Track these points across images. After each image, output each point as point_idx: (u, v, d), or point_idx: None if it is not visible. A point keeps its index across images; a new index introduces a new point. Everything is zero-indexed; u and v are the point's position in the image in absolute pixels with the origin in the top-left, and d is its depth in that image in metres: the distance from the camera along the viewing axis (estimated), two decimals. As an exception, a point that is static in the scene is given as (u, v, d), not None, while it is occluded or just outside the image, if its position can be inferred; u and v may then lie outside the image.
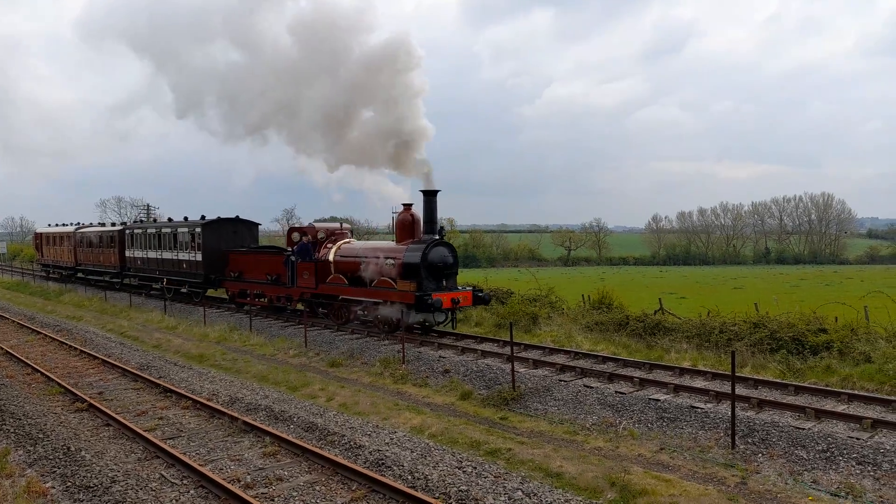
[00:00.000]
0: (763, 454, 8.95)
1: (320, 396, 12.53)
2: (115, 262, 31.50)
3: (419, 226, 17.17)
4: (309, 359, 16.22)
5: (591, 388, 11.74)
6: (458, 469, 8.41)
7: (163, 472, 8.44)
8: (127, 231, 30.79)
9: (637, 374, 12.42)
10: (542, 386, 12.15)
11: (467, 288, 17.47)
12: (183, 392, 12.38)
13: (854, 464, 8.36)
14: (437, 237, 16.71)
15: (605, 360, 13.79)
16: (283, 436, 9.54)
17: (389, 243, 18.13)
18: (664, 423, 10.18)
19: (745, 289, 42.54)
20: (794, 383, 11.44)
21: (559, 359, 13.99)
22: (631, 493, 7.90)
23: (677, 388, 11.33)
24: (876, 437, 8.87)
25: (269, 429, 9.92)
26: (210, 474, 8.01)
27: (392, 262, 16.87)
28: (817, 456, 8.65)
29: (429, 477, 8.09)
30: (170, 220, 28.40)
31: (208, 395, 12.52)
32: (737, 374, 10.38)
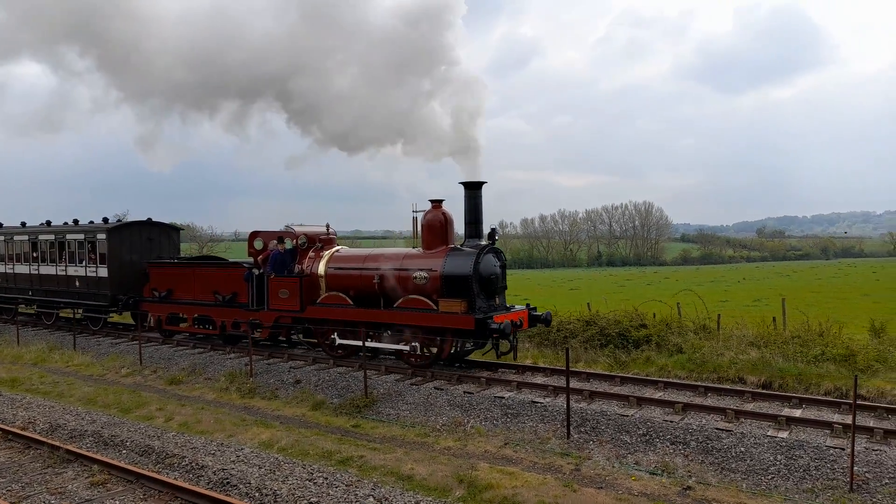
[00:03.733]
0: (594, 441, 9.78)
1: (157, 417, 11.69)
2: None
3: (452, 227, 13.72)
4: (144, 377, 15.04)
5: (441, 390, 12.10)
6: (309, 481, 8.27)
7: (-36, 516, 7.41)
8: None
9: (484, 374, 13.00)
10: (395, 391, 12.30)
11: (518, 307, 13.84)
12: (-10, 423, 10.93)
13: (668, 444, 9.41)
14: (490, 242, 13.30)
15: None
16: (114, 462, 8.77)
17: (410, 250, 14.22)
18: (508, 419, 10.76)
19: (581, 289, 46.01)
20: (620, 375, 12.64)
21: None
22: (477, 488, 8.27)
23: (520, 385, 12.03)
24: (686, 419, 10.06)
25: (97, 456, 9.08)
26: (25, 512, 7.17)
27: (425, 274, 13.13)
28: (639, 439, 9.63)
29: (278, 492, 7.87)
30: (48, 223, 21.58)
31: (23, 423, 11.16)
32: (571, 369, 11.28)
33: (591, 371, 13.14)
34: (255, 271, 15.43)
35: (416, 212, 13.99)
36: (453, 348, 13.26)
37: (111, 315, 20.18)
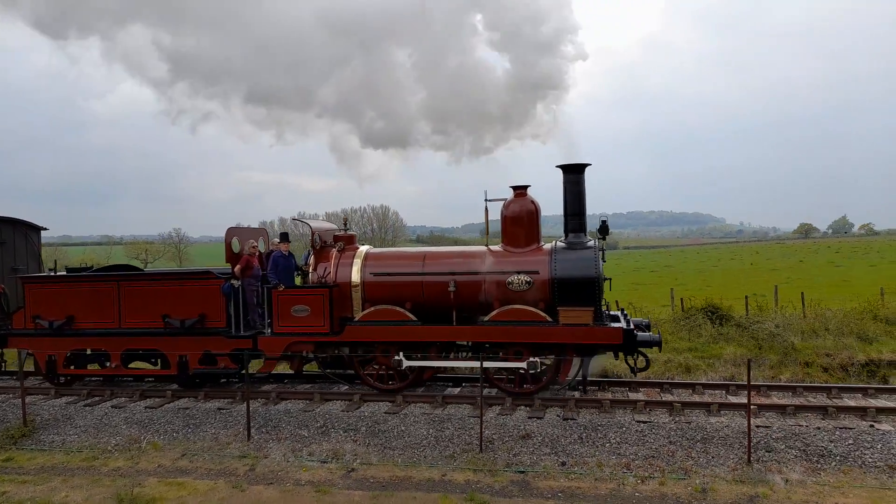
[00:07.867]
0: (274, 440, 10.13)
1: None
2: None
3: (539, 219, 11.46)
4: None
5: (120, 408, 11.37)
6: (-78, 531, 7.20)
7: None
8: None
9: (174, 386, 12.52)
10: (63, 415, 11.20)
11: (615, 314, 11.94)
12: None
13: (342, 432, 10.17)
14: (601, 237, 11.19)
15: (141, 377, 13.47)
16: None
17: (483, 248, 11.54)
18: (190, 430, 10.55)
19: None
20: (312, 372, 13.21)
21: (91, 383, 13.07)
22: (139, 505, 8.04)
23: (207, 395, 11.87)
24: (361, 408, 10.96)
25: None
26: None
27: (527, 278, 10.91)
28: (316, 432, 10.23)
29: None
30: None
31: None
32: (275, 372, 11.46)
33: (281, 373, 13.46)
34: (235, 283, 11.73)
35: (491, 200, 11.43)
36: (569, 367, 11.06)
37: None
